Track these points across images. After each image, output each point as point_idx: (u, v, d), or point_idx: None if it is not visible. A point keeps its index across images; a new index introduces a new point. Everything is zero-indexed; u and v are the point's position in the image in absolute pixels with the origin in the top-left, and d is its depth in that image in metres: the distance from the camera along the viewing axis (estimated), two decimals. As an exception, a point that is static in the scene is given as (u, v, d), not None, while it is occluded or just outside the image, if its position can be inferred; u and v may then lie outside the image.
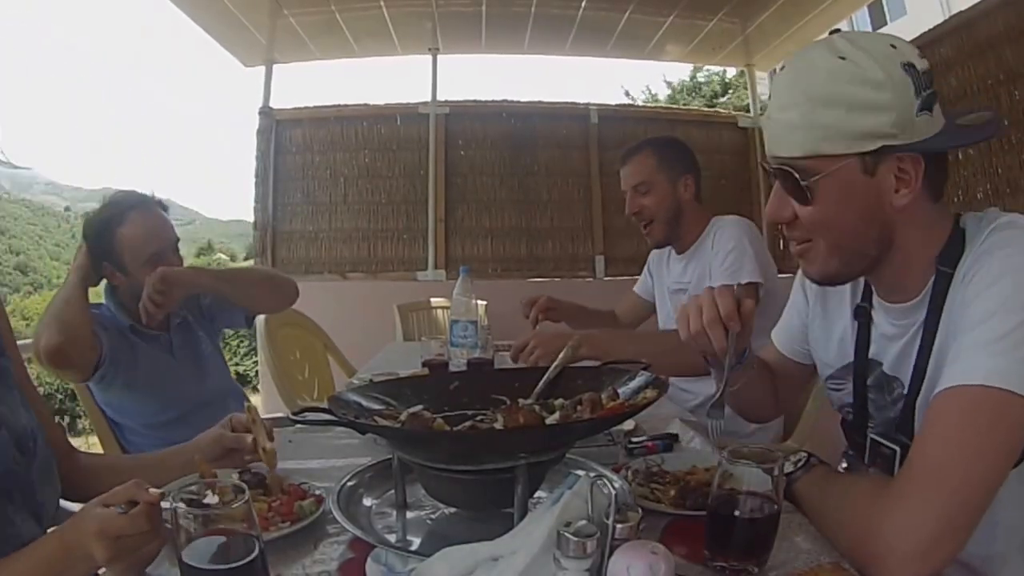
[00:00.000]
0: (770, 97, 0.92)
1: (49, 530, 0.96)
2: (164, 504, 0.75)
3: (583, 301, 2.32)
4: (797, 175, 0.88)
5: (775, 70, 5.68)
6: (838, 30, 0.91)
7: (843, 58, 0.84)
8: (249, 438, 1.12)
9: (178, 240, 1.80)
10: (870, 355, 1.02)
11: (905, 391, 0.94)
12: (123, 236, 1.66)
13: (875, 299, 1.00)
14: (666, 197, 1.98)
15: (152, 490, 0.74)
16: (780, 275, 1.94)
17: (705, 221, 2.01)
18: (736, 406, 1.25)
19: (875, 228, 0.89)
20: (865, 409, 1.03)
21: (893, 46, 0.85)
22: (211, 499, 0.67)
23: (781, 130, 0.89)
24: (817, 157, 0.86)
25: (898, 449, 0.95)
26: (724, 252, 1.86)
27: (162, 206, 1.78)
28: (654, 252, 2.26)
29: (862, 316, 1.03)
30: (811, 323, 1.16)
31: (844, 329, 1.07)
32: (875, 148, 0.84)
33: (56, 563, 0.75)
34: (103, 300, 1.78)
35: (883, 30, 13.20)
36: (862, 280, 1.02)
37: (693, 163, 2.03)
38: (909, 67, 0.83)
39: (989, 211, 0.90)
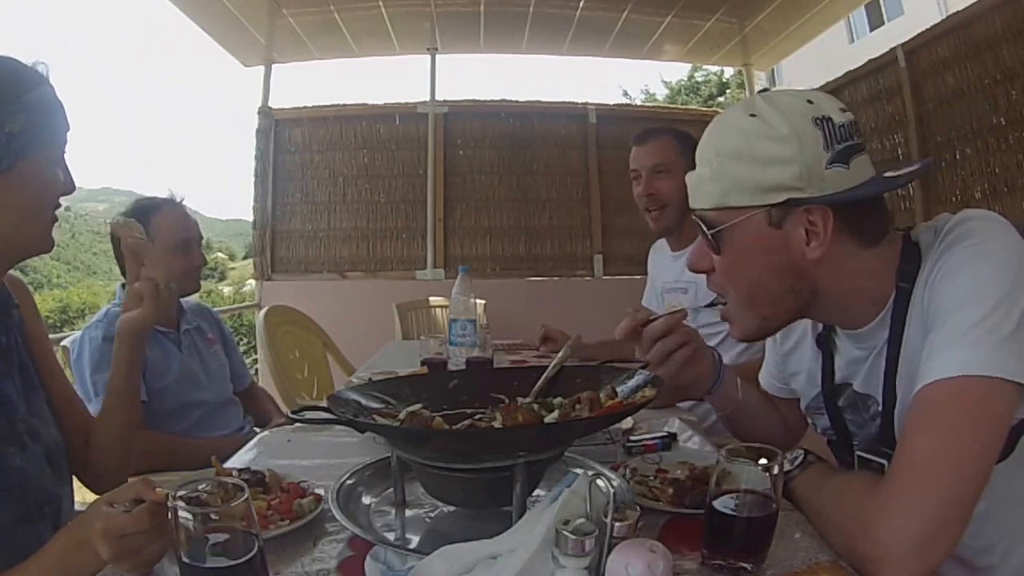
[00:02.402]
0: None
1: None
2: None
3: (581, 299, 2.32)
4: (706, 226, 0.92)
5: (773, 70, 5.69)
6: (766, 90, 0.95)
7: (754, 115, 0.87)
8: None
9: (202, 238, 1.93)
10: (838, 380, 1.03)
11: (880, 407, 0.95)
12: (157, 222, 1.78)
13: (837, 328, 1.02)
14: (683, 186, 1.90)
15: (158, 489, 0.74)
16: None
17: None
18: (736, 432, 1.27)
19: (788, 280, 0.90)
20: (845, 429, 1.04)
21: (810, 101, 0.87)
22: (210, 497, 0.68)
23: (696, 183, 0.95)
24: (725, 209, 0.90)
25: (885, 463, 0.94)
26: None
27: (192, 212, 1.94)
28: (651, 258, 2.19)
29: (825, 344, 1.04)
30: (785, 359, 1.18)
31: (811, 360, 1.09)
32: (781, 201, 0.86)
33: (67, 559, 0.76)
34: (116, 298, 1.86)
35: (880, 30, 13.25)
36: None
37: None
38: (823, 121, 0.85)
39: (939, 217, 0.91)
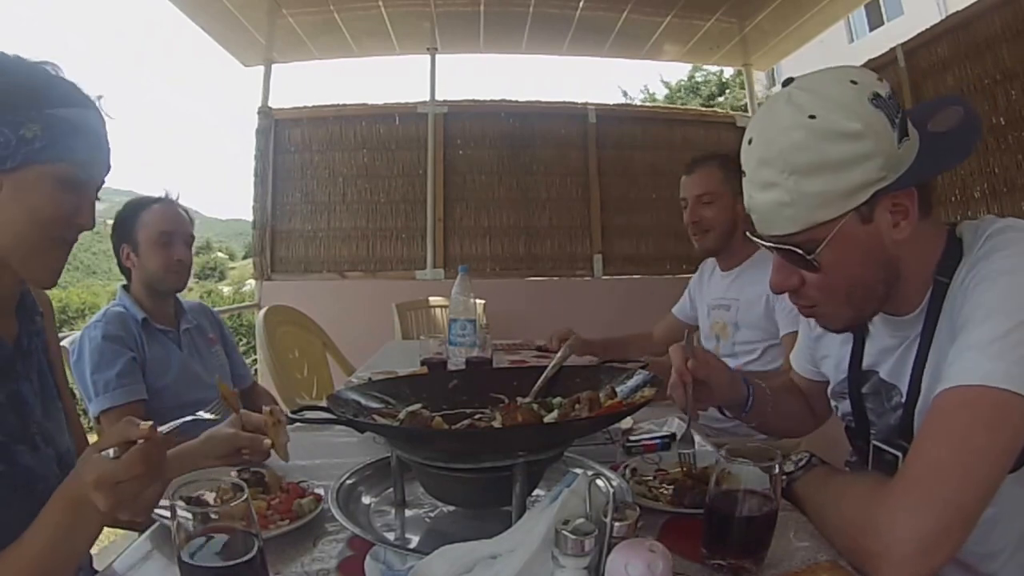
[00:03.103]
0: (744, 175, 0.90)
1: None
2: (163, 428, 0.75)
3: (581, 299, 2.33)
4: (800, 250, 0.86)
5: (772, 70, 5.69)
6: (791, 79, 0.88)
7: (813, 117, 0.81)
8: (267, 442, 1.14)
9: (193, 238, 1.92)
10: (865, 366, 1.03)
11: (903, 398, 0.95)
12: (143, 217, 1.83)
13: None
14: (726, 211, 1.99)
15: (143, 425, 0.71)
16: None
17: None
18: (765, 430, 1.29)
19: (881, 269, 0.88)
20: (864, 416, 1.04)
21: (854, 82, 0.83)
22: (210, 497, 0.67)
23: (770, 210, 0.87)
24: (816, 227, 0.85)
25: (900, 455, 0.95)
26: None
27: (186, 211, 1.94)
28: (698, 276, 2.28)
29: (858, 329, 1.03)
30: (816, 341, 1.19)
31: (841, 344, 1.09)
32: (868, 197, 0.83)
33: (65, 522, 0.74)
34: (116, 298, 1.87)
35: (880, 30, 13.26)
36: None
37: None
38: (876, 98, 0.82)
39: (985, 218, 0.91)
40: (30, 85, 0.88)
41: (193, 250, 1.92)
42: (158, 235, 1.81)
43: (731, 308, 2.02)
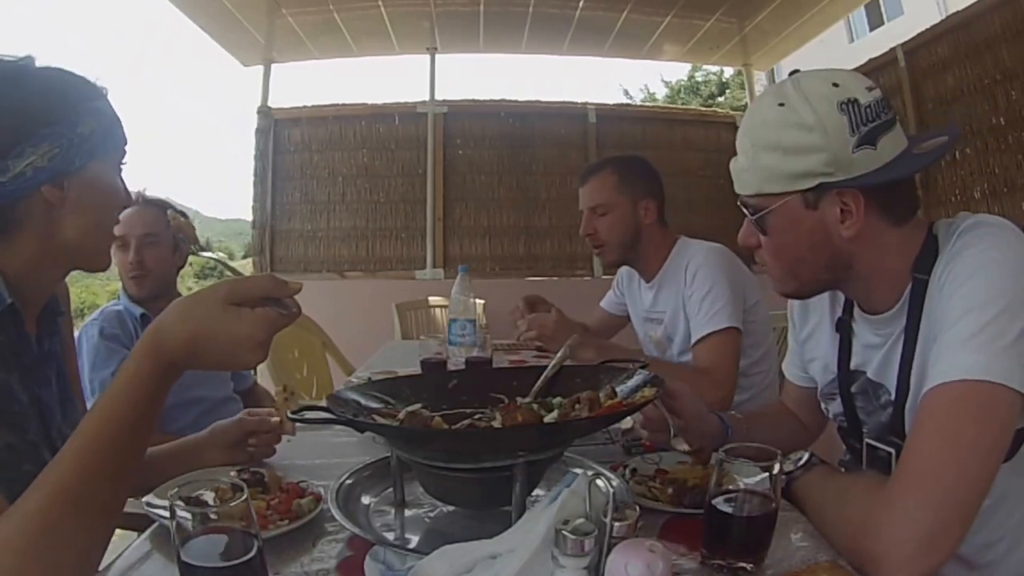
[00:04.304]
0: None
1: None
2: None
3: (581, 300, 2.31)
4: (750, 211, 0.98)
5: (772, 70, 5.69)
6: (797, 71, 0.96)
7: (782, 104, 0.91)
8: (274, 419, 1.15)
9: (151, 236, 1.81)
10: (853, 366, 1.05)
11: (892, 397, 0.96)
12: None
13: (856, 312, 1.03)
14: (624, 220, 1.87)
15: (290, 282, 0.73)
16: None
17: (670, 244, 1.90)
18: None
19: (824, 256, 0.95)
20: (856, 416, 1.06)
21: (836, 84, 0.90)
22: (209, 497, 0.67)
23: (737, 173, 0.99)
24: (763, 195, 0.95)
25: (893, 452, 0.96)
26: (699, 297, 1.74)
27: (153, 202, 1.85)
28: (623, 270, 2.16)
29: (843, 329, 1.06)
30: (803, 345, 1.20)
31: (827, 346, 1.11)
32: (813, 186, 0.90)
33: (151, 388, 0.70)
34: (117, 298, 1.88)
35: (880, 30, 13.26)
36: (842, 295, 1.06)
37: (657, 185, 1.92)
38: (849, 104, 0.88)
39: (959, 215, 0.93)
40: (69, 85, 0.90)
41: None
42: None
43: (662, 322, 1.91)
